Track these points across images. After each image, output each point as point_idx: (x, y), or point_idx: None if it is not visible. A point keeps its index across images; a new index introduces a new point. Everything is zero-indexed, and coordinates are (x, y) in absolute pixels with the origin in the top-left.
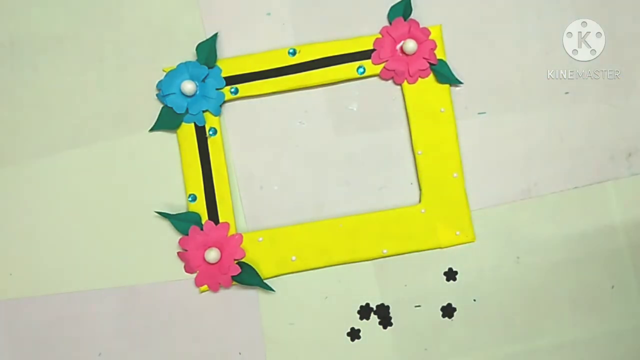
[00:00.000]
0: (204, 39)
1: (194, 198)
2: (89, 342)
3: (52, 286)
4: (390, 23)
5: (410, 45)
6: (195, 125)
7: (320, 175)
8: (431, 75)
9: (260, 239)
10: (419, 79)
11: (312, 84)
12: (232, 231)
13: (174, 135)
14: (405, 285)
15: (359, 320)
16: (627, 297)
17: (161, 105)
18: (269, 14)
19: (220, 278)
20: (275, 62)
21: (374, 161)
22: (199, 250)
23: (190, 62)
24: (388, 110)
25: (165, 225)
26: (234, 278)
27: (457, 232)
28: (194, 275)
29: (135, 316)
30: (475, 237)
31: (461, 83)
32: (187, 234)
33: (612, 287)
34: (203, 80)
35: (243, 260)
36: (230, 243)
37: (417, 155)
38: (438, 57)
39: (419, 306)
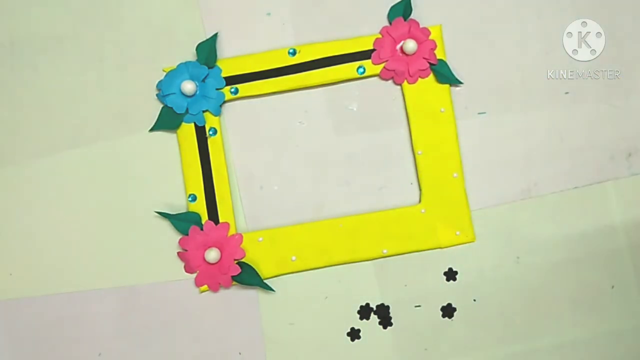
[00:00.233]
0: (204, 39)
1: (194, 198)
2: (89, 342)
3: (52, 286)
4: (390, 23)
5: (410, 45)
6: (195, 125)
7: (320, 175)
8: (431, 75)
9: (260, 239)
10: (419, 79)
11: (312, 84)
12: (232, 231)
13: (174, 135)
14: (405, 285)
15: (359, 320)
16: (627, 297)
17: (161, 105)
18: (269, 14)
19: (220, 278)
20: (275, 62)
21: (374, 161)
22: (199, 250)
23: (190, 62)
24: (388, 110)
25: (165, 225)
26: (234, 278)
27: (457, 232)
28: (194, 275)
29: (135, 316)
30: (475, 237)
31: (461, 83)
32: (187, 234)
33: (612, 287)
34: (203, 80)
35: (243, 260)
36: (230, 243)
37: (417, 155)
38: (438, 57)
39: (419, 306)
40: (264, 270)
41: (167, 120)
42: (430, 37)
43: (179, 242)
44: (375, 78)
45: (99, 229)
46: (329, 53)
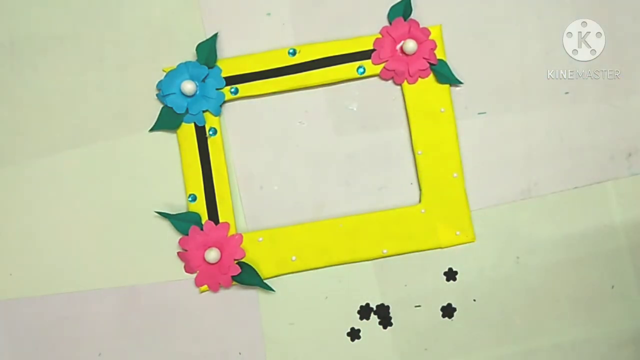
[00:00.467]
0: (204, 39)
1: (194, 198)
2: (89, 342)
3: (52, 286)
4: (390, 23)
5: (410, 45)
6: (195, 125)
7: (320, 175)
8: (431, 75)
9: (260, 239)
10: (419, 79)
11: (312, 84)
12: (232, 231)
13: (174, 135)
14: (405, 285)
15: (359, 320)
16: (627, 297)
17: (161, 105)
18: (269, 14)
19: (220, 278)
20: (275, 62)
21: (374, 161)
22: (199, 250)
23: (190, 62)
24: (388, 110)
25: (165, 225)
26: (234, 278)
27: (457, 232)
28: (194, 275)
29: (135, 316)
30: (475, 237)
31: (461, 83)
32: (187, 234)
33: (612, 287)
34: (203, 80)
35: (243, 260)
36: (230, 243)
37: (417, 155)
38: (438, 57)
39: (419, 306)
40: (264, 270)
41: (167, 120)
42: (430, 37)
43: (179, 242)
44: (375, 78)
45: (99, 229)
46: (329, 53)
